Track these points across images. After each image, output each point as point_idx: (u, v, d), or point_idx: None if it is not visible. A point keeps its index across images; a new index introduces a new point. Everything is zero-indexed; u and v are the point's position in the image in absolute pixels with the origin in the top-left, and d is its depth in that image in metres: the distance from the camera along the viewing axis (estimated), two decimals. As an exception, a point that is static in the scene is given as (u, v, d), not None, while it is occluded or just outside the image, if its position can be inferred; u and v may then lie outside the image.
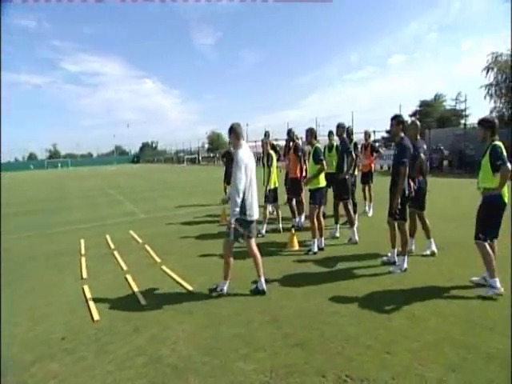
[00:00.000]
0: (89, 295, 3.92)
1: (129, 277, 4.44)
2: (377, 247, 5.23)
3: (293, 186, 6.73)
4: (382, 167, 21.10)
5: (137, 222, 8.29)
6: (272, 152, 6.56)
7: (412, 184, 4.52)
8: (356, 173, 7.08)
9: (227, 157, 9.42)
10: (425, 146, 4.90)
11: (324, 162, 5.00)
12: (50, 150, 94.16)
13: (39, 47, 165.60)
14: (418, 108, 34.55)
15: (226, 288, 3.78)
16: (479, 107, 39.46)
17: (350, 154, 5.75)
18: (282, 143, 11.69)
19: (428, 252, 4.81)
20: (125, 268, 4.84)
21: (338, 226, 6.01)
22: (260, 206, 7.82)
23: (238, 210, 3.53)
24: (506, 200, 3.50)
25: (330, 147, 6.14)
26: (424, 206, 4.87)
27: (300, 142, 7.60)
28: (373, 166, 8.11)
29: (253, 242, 3.81)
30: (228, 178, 9.45)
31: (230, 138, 3.75)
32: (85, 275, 4.63)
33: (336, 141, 6.14)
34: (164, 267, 4.77)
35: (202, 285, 4.06)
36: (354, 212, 6.70)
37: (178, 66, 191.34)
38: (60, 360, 2.72)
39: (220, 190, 10.01)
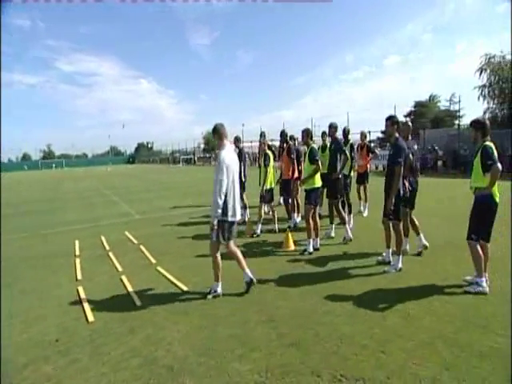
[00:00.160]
0: (83, 296, 3.89)
1: (124, 278, 4.42)
2: (372, 247, 5.26)
3: (285, 186, 6.76)
4: (377, 167, 21.20)
5: (132, 223, 8.25)
6: (269, 152, 6.57)
7: (407, 184, 4.56)
8: (352, 174, 7.11)
9: None
10: (415, 147, 4.96)
11: (319, 163, 5.02)
12: (44, 150, 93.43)
13: (33, 47, 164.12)
14: (413, 108, 34.83)
15: (219, 289, 3.78)
16: (473, 108, 39.91)
17: (344, 153, 5.78)
18: (278, 144, 11.68)
19: (420, 249, 4.88)
20: (120, 269, 4.82)
21: (334, 226, 6.03)
22: (255, 207, 7.92)
23: (219, 211, 3.54)
24: (497, 200, 3.54)
25: (323, 147, 6.18)
26: (414, 205, 4.91)
27: (296, 142, 7.63)
28: (368, 166, 8.15)
29: (232, 242, 3.82)
30: None
31: (214, 138, 3.76)
32: (79, 276, 4.60)
33: (328, 141, 6.18)
34: (159, 268, 4.76)
35: (197, 285, 4.05)
36: (349, 212, 6.75)
37: (173, 66, 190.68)
38: (54, 362, 2.70)
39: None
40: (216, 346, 2.82)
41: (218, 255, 3.76)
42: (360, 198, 7.87)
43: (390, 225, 4.45)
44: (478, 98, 22.17)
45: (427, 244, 4.92)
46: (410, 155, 4.65)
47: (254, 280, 3.80)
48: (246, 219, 7.23)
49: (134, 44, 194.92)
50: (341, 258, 4.87)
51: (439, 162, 19.44)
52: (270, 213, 6.87)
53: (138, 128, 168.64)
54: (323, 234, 5.91)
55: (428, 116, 32.96)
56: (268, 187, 6.39)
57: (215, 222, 3.57)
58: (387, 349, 2.66)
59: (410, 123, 5.07)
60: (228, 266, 4.71)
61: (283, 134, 7.00)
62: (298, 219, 7.12)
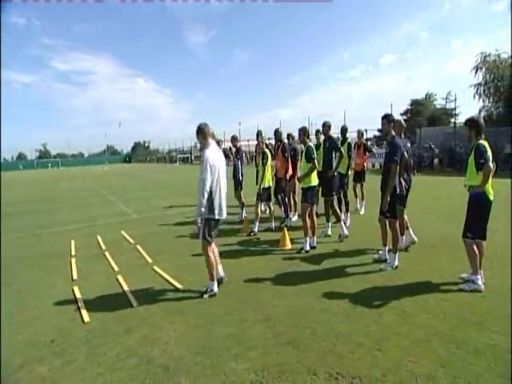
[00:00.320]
0: (79, 297, 3.87)
1: (120, 277, 4.40)
2: (368, 245, 5.27)
3: (280, 184, 6.78)
4: (373, 166, 21.26)
5: (128, 223, 8.22)
6: (267, 150, 6.56)
7: (403, 183, 4.57)
8: (349, 172, 7.13)
9: None
10: (408, 145, 5.01)
11: (316, 161, 5.03)
12: (39, 149, 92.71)
13: (28, 45, 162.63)
14: (410, 107, 34.92)
15: (215, 288, 3.77)
16: (469, 106, 40.11)
17: (339, 150, 5.79)
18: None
19: (409, 244, 5.00)
20: (116, 269, 4.80)
21: (330, 224, 6.04)
22: (252, 205, 7.92)
23: (203, 209, 3.58)
24: (491, 197, 3.56)
25: (317, 146, 6.18)
26: (406, 203, 4.94)
27: (292, 141, 7.62)
28: (365, 164, 8.17)
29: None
30: None
31: (198, 138, 3.76)
32: (75, 276, 4.57)
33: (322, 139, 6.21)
34: (156, 267, 4.74)
35: (193, 284, 4.04)
36: (347, 210, 6.77)
37: (170, 65, 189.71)
38: (49, 363, 2.68)
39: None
40: (212, 345, 2.82)
41: (211, 253, 3.77)
42: (356, 196, 7.89)
43: (387, 223, 4.46)
44: (474, 96, 22.34)
45: (415, 238, 5.10)
46: (405, 153, 4.67)
47: (225, 279, 4.02)
48: (243, 217, 7.23)
49: (130, 42, 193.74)
50: (337, 256, 4.88)
51: (435, 160, 19.54)
52: (267, 211, 6.87)
53: (135, 127, 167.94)
54: (320, 233, 5.92)
55: (424, 114, 33.08)
56: (265, 186, 6.38)
57: (199, 220, 3.63)
58: (383, 346, 2.67)
59: (402, 122, 5.11)
60: (224, 264, 4.71)
61: (277, 133, 7.01)
62: (295, 218, 7.13)
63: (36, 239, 6.95)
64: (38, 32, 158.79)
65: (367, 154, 8.03)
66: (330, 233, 5.97)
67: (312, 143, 5.32)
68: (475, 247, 3.64)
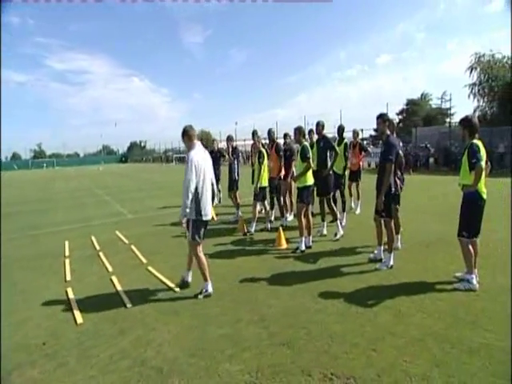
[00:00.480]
0: (72, 298, 3.83)
1: (114, 278, 4.36)
2: (364, 244, 5.28)
3: (272, 184, 6.80)
4: (369, 165, 21.32)
5: (123, 223, 8.16)
6: (263, 150, 6.54)
7: (398, 182, 4.58)
8: (346, 173, 7.15)
9: (211, 156, 9.28)
10: (400, 144, 5.00)
11: (311, 160, 5.02)
12: (34, 149, 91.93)
13: (22, 44, 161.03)
14: (405, 106, 35.09)
15: (210, 288, 3.75)
16: (464, 106, 40.33)
17: (334, 149, 5.79)
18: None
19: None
20: (110, 269, 4.75)
21: (325, 223, 6.03)
22: (248, 205, 7.90)
23: (187, 210, 3.57)
24: (485, 196, 3.57)
25: (310, 146, 6.18)
26: (399, 201, 4.95)
27: (290, 140, 7.61)
28: (361, 164, 8.18)
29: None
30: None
31: (184, 140, 3.79)
32: (68, 277, 4.52)
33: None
34: (150, 268, 4.71)
35: (188, 285, 4.01)
36: (343, 210, 6.78)
37: (166, 65, 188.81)
38: (40, 366, 2.64)
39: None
40: (206, 346, 2.79)
41: (201, 254, 3.75)
42: (351, 196, 7.90)
43: (382, 222, 4.47)
44: (469, 96, 22.49)
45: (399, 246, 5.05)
46: (400, 152, 4.67)
47: (187, 282, 3.99)
48: (239, 217, 7.20)
49: (126, 42, 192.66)
50: (333, 256, 4.87)
51: (431, 160, 19.65)
52: (263, 211, 6.85)
53: (131, 127, 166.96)
54: (315, 232, 5.91)
55: (420, 114, 33.26)
56: (262, 185, 6.36)
57: (184, 221, 3.62)
58: (378, 347, 2.66)
59: (394, 121, 5.14)
60: (219, 265, 4.71)
61: (270, 133, 7.01)
62: (291, 217, 7.12)
63: (30, 240, 6.87)
64: (32, 31, 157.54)
65: (363, 153, 8.03)
66: (325, 232, 5.96)
67: (307, 143, 5.32)
68: (470, 246, 3.65)
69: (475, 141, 3.56)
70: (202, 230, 3.76)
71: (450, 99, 23.97)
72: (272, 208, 7.17)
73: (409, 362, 2.46)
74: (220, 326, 3.09)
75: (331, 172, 5.84)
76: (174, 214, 8.82)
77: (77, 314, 3.45)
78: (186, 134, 3.73)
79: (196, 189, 3.58)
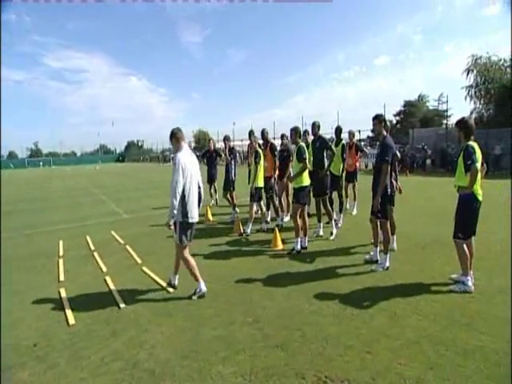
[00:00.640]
0: (65, 298, 3.78)
1: (108, 278, 4.32)
2: (360, 246, 5.27)
3: (267, 184, 6.79)
4: (367, 166, 21.35)
5: (119, 222, 8.11)
6: (260, 150, 6.52)
7: (394, 183, 4.56)
8: (343, 174, 7.14)
9: (207, 156, 9.27)
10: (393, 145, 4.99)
11: (307, 161, 5.00)
12: (31, 148, 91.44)
13: (19, 42, 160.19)
14: (403, 108, 35.23)
15: (203, 287, 3.71)
16: (461, 108, 40.59)
17: (330, 149, 5.78)
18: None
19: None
20: (104, 269, 4.71)
21: (322, 224, 6.01)
22: (245, 205, 7.87)
23: (175, 212, 3.55)
24: (480, 198, 3.57)
25: (306, 146, 6.17)
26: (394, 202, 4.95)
27: (287, 141, 7.59)
28: (357, 165, 8.17)
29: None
30: (210, 178, 9.33)
31: (172, 142, 3.79)
32: (62, 277, 4.47)
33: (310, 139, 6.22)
34: (145, 268, 4.67)
35: (182, 286, 3.96)
36: (340, 211, 6.76)
37: (164, 64, 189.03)
38: (30, 368, 2.60)
39: (204, 188, 9.89)
40: (200, 348, 2.76)
41: (188, 256, 3.73)
42: (347, 197, 7.89)
43: (378, 223, 4.45)
44: (465, 98, 22.54)
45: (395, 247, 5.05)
46: (398, 153, 4.67)
47: (174, 285, 3.94)
48: (235, 218, 7.17)
49: (124, 41, 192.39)
50: (329, 257, 4.85)
51: (428, 161, 19.71)
52: (259, 212, 6.83)
53: (129, 126, 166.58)
54: (311, 233, 5.89)
55: (417, 115, 33.42)
56: (258, 185, 6.33)
57: (171, 223, 3.60)
58: (373, 349, 2.64)
59: (388, 121, 5.13)
60: (214, 266, 4.68)
61: (263, 133, 7.00)
62: (287, 218, 7.10)
63: (24, 239, 6.81)
64: (29, 29, 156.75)
65: (359, 153, 8.02)
66: (321, 233, 5.94)
67: (303, 143, 5.30)
68: (466, 248, 3.64)
69: (471, 142, 3.56)
70: (189, 232, 3.73)
71: (447, 101, 24.00)
72: (268, 209, 7.15)
73: (403, 364, 2.44)
74: (214, 328, 3.06)
75: (328, 173, 5.82)
76: (170, 214, 8.79)
77: (69, 314, 3.40)
78: (174, 136, 3.75)
79: (183, 191, 3.56)
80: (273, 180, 6.80)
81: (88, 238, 6.46)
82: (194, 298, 3.66)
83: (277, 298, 3.62)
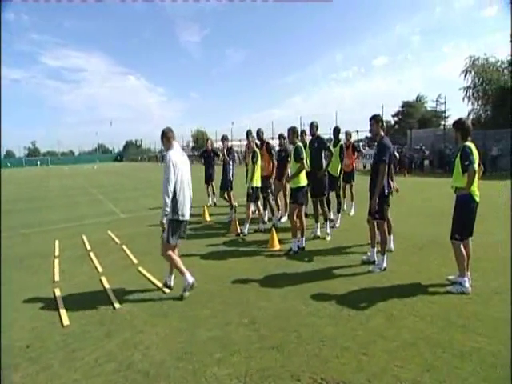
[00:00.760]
0: (60, 299, 3.75)
1: (104, 279, 4.29)
2: (357, 246, 5.26)
3: (267, 183, 6.79)
4: (365, 166, 21.36)
5: (116, 222, 8.07)
6: (257, 150, 6.50)
7: (392, 183, 4.55)
8: (341, 175, 7.13)
9: (205, 156, 9.24)
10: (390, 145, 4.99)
11: (304, 161, 4.98)
12: (28, 147, 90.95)
13: (16, 40, 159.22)
14: (401, 109, 35.31)
15: (190, 279, 3.68)
16: (458, 109, 40.76)
17: (328, 149, 5.77)
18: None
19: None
20: (100, 270, 4.68)
21: (319, 224, 6.00)
22: (242, 205, 7.84)
23: (168, 209, 3.56)
24: (477, 199, 3.56)
25: (303, 146, 6.16)
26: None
27: (285, 141, 7.58)
28: (354, 165, 8.17)
29: (178, 243, 3.86)
30: (207, 178, 9.30)
31: (163, 141, 3.80)
32: (57, 278, 4.44)
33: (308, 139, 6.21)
34: (141, 268, 4.64)
35: (178, 286, 3.92)
36: (338, 211, 6.75)
37: (163, 64, 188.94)
38: (23, 370, 2.57)
39: (202, 188, 9.88)
40: (195, 349, 2.74)
41: (172, 254, 3.72)
42: (345, 197, 7.88)
43: (375, 224, 4.44)
44: (463, 99, 22.61)
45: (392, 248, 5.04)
46: (396, 153, 4.66)
47: (170, 286, 3.92)
48: (232, 218, 7.15)
49: (122, 40, 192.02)
50: (325, 258, 4.83)
51: (426, 162, 19.75)
52: (256, 212, 6.80)
53: (127, 125, 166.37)
54: (309, 234, 5.87)
55: (415, 116, 33.50)
56: (254, 185, 6.31)
57: (164, 221, 3.58)
58: (369, 351, 2.62)
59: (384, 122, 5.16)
60: (210, 266, 4.66)
61: (259, 133, 6.99)
62: (284, 218, 7.08)
63: (20, 239, 6.76)
64: (27, 27, 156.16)
65: (356, 154, 8.03)
66: (319, 234, 5.93)
67: (301, 143, 5.29)
68: (463, 249, 3.63)
69: (468, 143, 3.55)
70: (180, 230, 3.71)
71: (445, 102, 24.16)
72: (265, 209, 7.13)
73: (400, 366, 2.42)
74: (209, 329, 3.04)
75: (326, 173, 5.81)
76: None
77: (63, 315, 3.37)
78: (165, 135, 3.76)
79: (174, 188, 3.57)
80: (271, 180, 6.78)
81: (84, 238, 6.42)
82: (186, 294, 3.64)
83: (273, 298, 3.60)
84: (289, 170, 6.22)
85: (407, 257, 4.76)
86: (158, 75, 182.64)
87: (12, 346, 2.90)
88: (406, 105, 35.14)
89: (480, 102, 22.05)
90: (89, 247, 5.85)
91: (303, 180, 5.10)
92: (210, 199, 9.71)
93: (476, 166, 3.45)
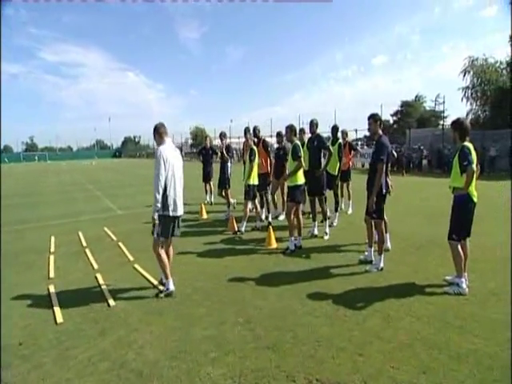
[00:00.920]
0: (54, 296, 3.71)
1: (99, 276, 4.25)
2: (354, 245, 5.23)
3: (264, 180, 6.77)
4: (363, 165, 21.36)
5: (113, 219, 8.02)
6: (255, 148, 6.46)
7: (390, 182, 4.53)
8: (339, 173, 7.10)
9: (203, 154, 9.19)
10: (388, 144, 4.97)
11: (302, 159, 4.95)
12: (26, 142, 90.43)
13: (15, 35, 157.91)
14: (400, 108, 35.27)
15: (171, 286, 3.67)
16: (457, 109, 40.70)
17: (327, 148, 5.74)
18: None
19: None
20: (96, 267, 4.64)
21: (316, 223, 5.97)
22: (240, 203, 7.81)
23: (159, 205, 3.52)
24: (475, 199, 3.54)
25: (301, 145, 6.12)
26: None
27: (283, 140, 7.54)
28: (351, 163, 8.16)
29: (170, 239, 3.82)
30: (205, 176, 9.25)
31: (155, 137, 3.76)
32: (52, 274, 4.39)
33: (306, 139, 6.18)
34: (137, 266, 4.60)
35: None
36: (335, 210, 6.73)
37: (162, 60, 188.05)
38: (15, 368, 2.53)
39: (200, 186, 9.84)
40: (189, 348, 2.71)
41: (162, 252, 3.67)
42: (342, 196, 7.86)
43: (373, 223, 4.42)
44: (462, 99, 22.61)
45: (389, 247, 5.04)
46: (394, 152, 4.64)
47: (171, 291, 3.71)
48: (230, 216, 7.11)
49: (121, 36, 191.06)
50: (322, 257, 4.81)
51: (424, 161, 19.75)
52: (254, 210, 6.77)
53: (125, 122, 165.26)
54: (306, 232, 5.85)
55: (414, 116, 33.48)
56: (251, 183, 6.27)
57: (156, 217, 3.54)
58: (365, 351, 2.60)
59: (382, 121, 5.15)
60: (207, 264, 4.63)
61: (255, 131, 6.97)
62: (282, 217, 7.05)
63: (16, 235, 6.70)
64: (25, 21, 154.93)
65: (352, 152, 8.01)
66: (316, 232, 5.90)
67: (299, 141, 5.25)
68: (460, 249, 3.61)
69: (466, 143, 3.52)
70: (170, 228, 3.66)
71: (444, 102, 24.10)
72: (262, 207, 7.09)
73: (396, 367, 2.40)
74: (204, 328, 3.01)
75: (324, 172, 5.78)
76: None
77: (57, 312, 3.34)
78: (158, 131, 3.71)
79: (164, 183, 3.52)
80: (270, 177, 6.76)
81: (80, 234, 6.37)
82: (162, 295, 3.62)
83: (269, 297, 3.57)
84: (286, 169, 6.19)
85: (405, 257, 4.74)
86: (157, 71, 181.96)
87: (4, 343, 2.86)
88: (405, 104, 35.09)
89: (478, 103, 22.07)
90: (85, 244, 5.80)
91: (300, 178, 5.06)
92: (208, 197, 9.67)
93: (474, 166, 3.42)
